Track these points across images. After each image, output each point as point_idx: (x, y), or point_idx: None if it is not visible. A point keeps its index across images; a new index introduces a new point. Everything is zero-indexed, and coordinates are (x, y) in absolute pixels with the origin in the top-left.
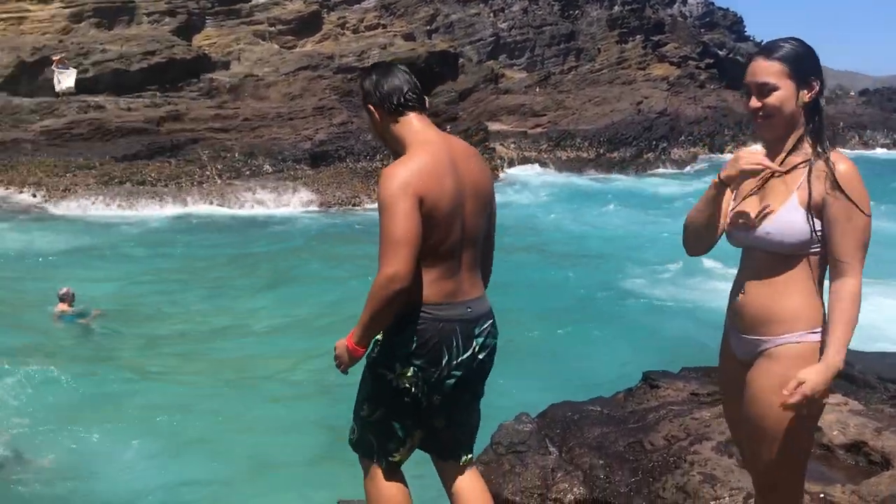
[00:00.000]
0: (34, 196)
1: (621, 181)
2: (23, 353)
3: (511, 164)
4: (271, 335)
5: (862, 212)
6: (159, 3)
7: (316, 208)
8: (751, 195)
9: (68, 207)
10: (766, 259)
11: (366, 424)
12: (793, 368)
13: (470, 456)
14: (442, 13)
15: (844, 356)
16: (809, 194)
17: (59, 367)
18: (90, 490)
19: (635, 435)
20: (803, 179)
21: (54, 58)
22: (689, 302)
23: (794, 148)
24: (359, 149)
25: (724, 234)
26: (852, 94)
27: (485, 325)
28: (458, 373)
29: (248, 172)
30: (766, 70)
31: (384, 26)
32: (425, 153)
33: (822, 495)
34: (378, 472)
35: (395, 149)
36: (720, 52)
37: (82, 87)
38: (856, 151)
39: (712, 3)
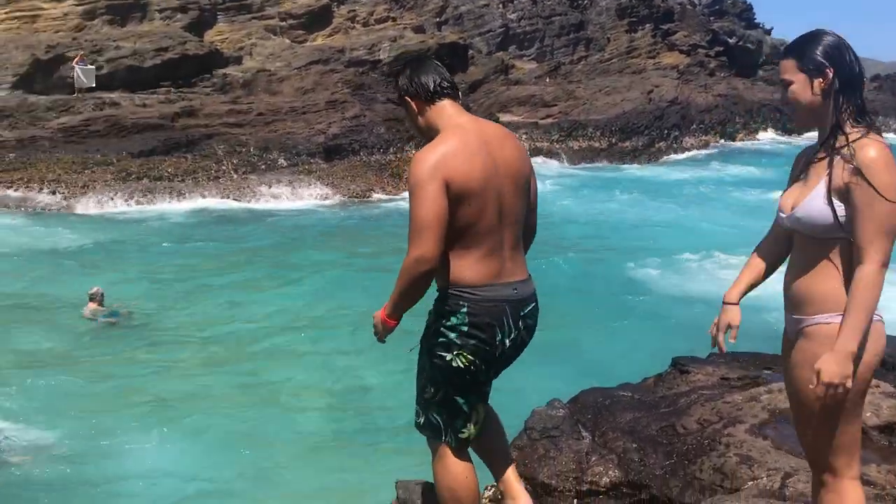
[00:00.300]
0: (54, 193)
1: (634, 170)
2: (52, 353)
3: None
4: (294, 327)
5: (884, 198)
6: (171, 0)
7: (331, 201)
8: (798, 180)
9: (88, 204)
10: (805, 242)
11: (431, 406)
12: (821, 348)
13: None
14: (451, 5)
15: (858, 341)
16: (830, 180)
17: (88, 365)
18: (120, 483)
19: (667, 419)
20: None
21: (75, 55)
22: (708, 289)
23: (833, 134)
24: (372, 142)
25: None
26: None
27: (529, 307)
28: (508, 349)
29: (263, 167)
30: (784, 67)
31: (394, 19)
32: (455, 136)
33: None
34: (447, 452)
35: (431, 136)
36: (730, 40)
37: (97, 83)
38: None
39: None
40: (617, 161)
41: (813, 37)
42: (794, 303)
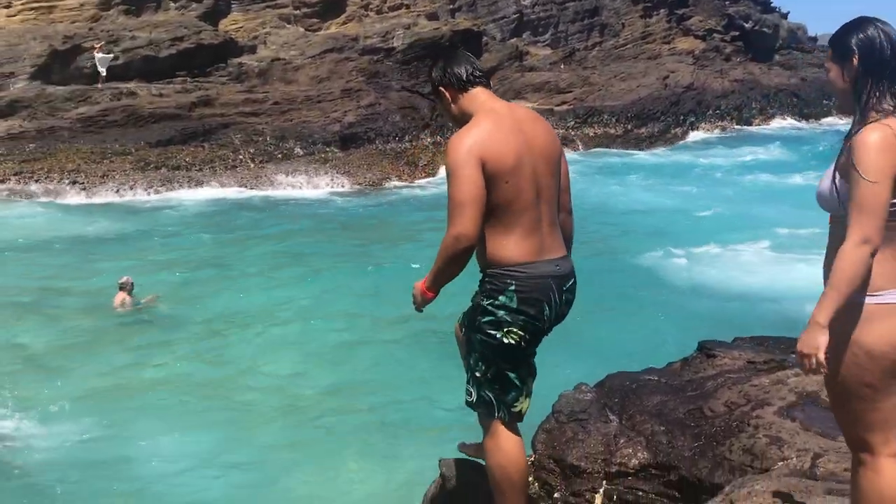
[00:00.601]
0: (74, 183)
1: (649, 156)
2: (83, 343)
3: None
4: (314, 314)
5: (860, 175)
6: None
7: (347, 189)
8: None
9: (107, 193)
10: (831, 222)
11: (482, 383)
12: (841, 326)
13: None
14: None
15: (829, 315)
16: (838, 161)
17: (118, 354)
18: (142, 469)
19: (695, 402)
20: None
21: (96, 45)
22: (729, 275)
23: (856, 119)
24: (387, 130)
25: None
26: None
27: (570, 282)
28: (553, 321)
29: (279, 156)
30: (827, 55)
31: (407, 6)
32: (488, 119)
33: None
34: (499, 427)
35: (464, 122)
36: (746, 25)
37: (113, 73)
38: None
39: None
40: (633, 147)
41: (848, 25)
42: (825, 279)
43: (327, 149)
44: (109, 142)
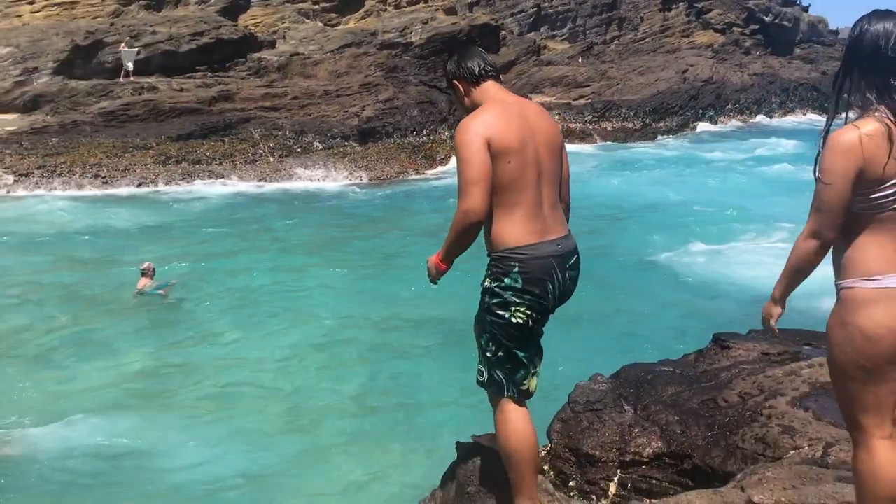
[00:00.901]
0: (96, 177)
1: (668, 148)
2: (106, 328)
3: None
4: (336, 301)
5: (819, 175)
6: None
7: (365, 181)
8: None
9: (129, 187)
10: None
11: (493, 363)
12: (841, 309)
13: None
14: None
15: (779, 291)
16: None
17: (142, 339)
18: (162, 460)
19: (709, 393)
20: None
21: (123, 41)
22: (744, 268)
23: (836, 113)
24: (405, 124)
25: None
26: None
27: (573, 259)
28: (559, 299)
29: (298, 150)
30: None
31: (425, 1)
32: (495, 106)
33: None
34: (508, 405)
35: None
36: (766, 18)
37: (134, 68)
38: None
39: None
40: (651, 140)
41: (867, 15)
42: (833, 269)
43: (346, 143)
44: (131, 136)
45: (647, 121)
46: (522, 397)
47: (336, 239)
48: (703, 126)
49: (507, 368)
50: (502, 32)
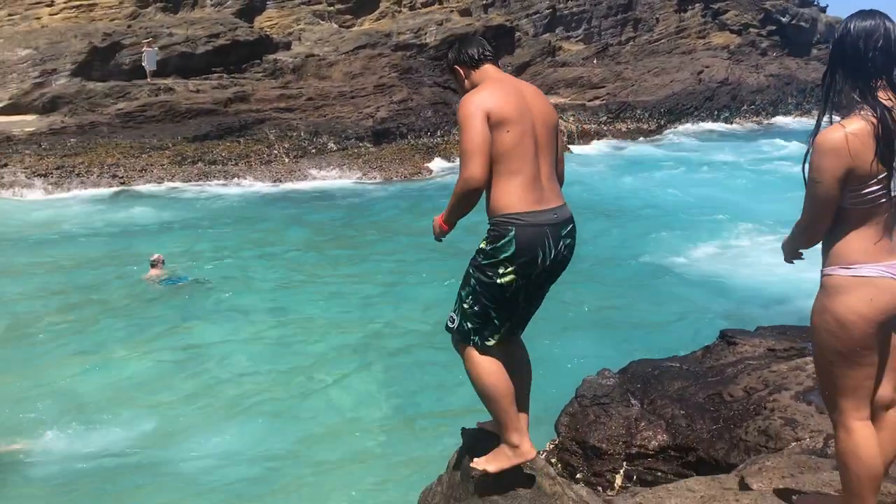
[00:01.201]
0: (114, 177)
1: (676, 149)
2: (118, 320)
3: (571, 139)
4: (348, 299)
5: (810, 173)
6: None
7: (380, 179)
8: None
9: (146, 186)
10: None
11: (467, 315)
12: (821, 293)
13: (520, 333)
14: None
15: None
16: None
17: (154, 334)
18: (171, 454)
19: (714, 387)
20: None
21: (145, 41)
22: (751, 266)
23: (823, 112)
24: (419, 125)
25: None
26: None
27: (568, 227)
28: (548, 267)
29: (313, 151)
30: None
31: (440, 2)
32: (493, 83)
33: None
34: (474, 353)
35: None
36: (783, 19)
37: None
38: None
39: None
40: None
41: (852, 15)
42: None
43: (360, 144)
44: (147, 137)
45: (662, 122)
46: (485, 350)
47: (349, 236)
48: (713, 125)
49: (478, 323)
50: (517, 33)
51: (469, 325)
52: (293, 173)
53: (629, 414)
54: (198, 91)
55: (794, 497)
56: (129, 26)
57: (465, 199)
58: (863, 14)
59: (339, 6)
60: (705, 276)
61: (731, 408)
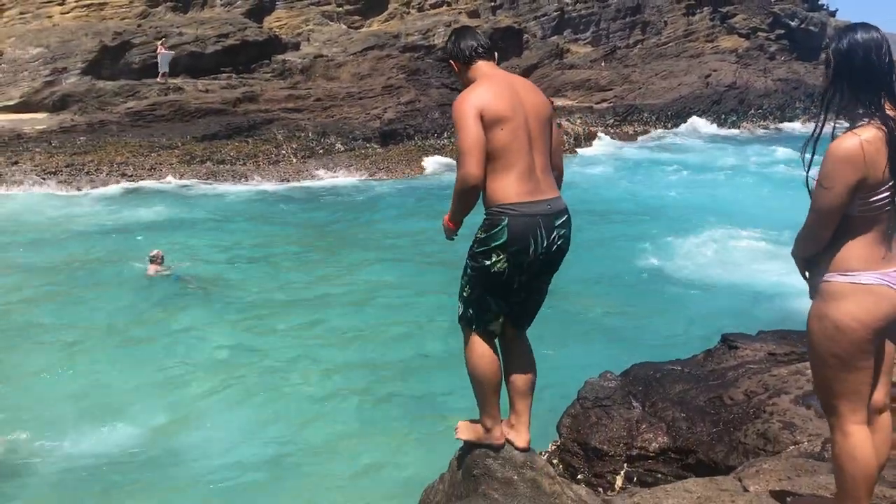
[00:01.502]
0: (123, 175)
1: (680, 151)
2: (117, 315)
3: (578, 142)
4: (352, 297)
5: (819, 179)
6: None
7: (386, 177)
8: None
9: (155, 184)
10: None
11: (468, 302)
12: (817, 301)
13: (525, 329)
14: None
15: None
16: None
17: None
18: (171, 448)
19: (715, 391)
20: None
21: (160, 44)
22: (752, 270)
23: (825, 122)
24: (427, 126)
25: None
26: None
27: (562, 219)
28: (542, 257)
29: (321, 151)
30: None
31: (449, 4)
32: (486, 81)
33: None
34: (475, 338)
35: None
36: (791, 23)
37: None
38: None
39: None
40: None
41: (845, 29)
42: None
43: (367, 145)
44: (157, 136)
45: (669, 125)
46: (486, 336)
47: (352, 234)
48: (719, 130)
49: (477, 309)
50: (525, 36)
51: (471, 312)
52: (301, 173)
53: (630, 416)
54: (207, 91)
55: (788, 499)
56: (139, 25)
57: (465, 196)
58: (864, 27)
59: (347, 7)
60: (707, 280)
61: (731, 411)
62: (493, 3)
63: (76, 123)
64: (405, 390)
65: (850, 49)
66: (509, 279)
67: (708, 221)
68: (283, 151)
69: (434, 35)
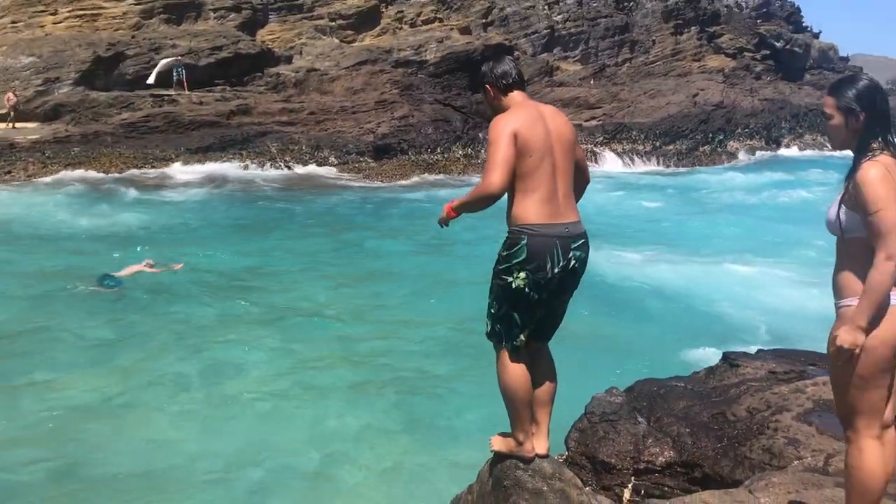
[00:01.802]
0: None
1: (678, 172)
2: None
3: None
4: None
5: (869, 208)
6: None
7: (377, 185)
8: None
9: (148, 188)
10: (838, 243)
11: (495, 319)
12: (842, 325)
13: (547, 342)
14: (497, 6)
15: (866, 318)
16: (844, 192)
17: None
18: (172, 450)
19: (718, 407)
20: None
21: (173, 58)
22: (755, 291)
23: (857, 158)
24: (420, 141)
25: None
26: None
27: (579, 242)
28: (558, 276)
29: (314, 164)
30: (826, 102)
31: (440, 20)
32: (521, 109)
33: None
34: (505, 354)
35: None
36: (777, 44)
37: (155, 81)
38: None
39: None
40: (662, 164)
41: (850, 80)
42: (833, 291)
43: (361, 158)
44: (151, 147)
45: (658, 143)
46: (516, 351)
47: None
48: (712, 156)
49: (505, 324)
50: (516, 53)
51: (498, 328)
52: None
53: (636, 431)
54: (201, 103)
55: None
56: (132, 37)
57: (481, 200)
58: (862, 75)
59: (340, 21)
60: (708, 299)
61: (734, 427)
62: (484, 21)
63: (70, 133)
64: (430, 398)
65: (875, 91)
66: (530, 296)
67: (710, 242)
68: (277, 164)
69: (426, 51)
